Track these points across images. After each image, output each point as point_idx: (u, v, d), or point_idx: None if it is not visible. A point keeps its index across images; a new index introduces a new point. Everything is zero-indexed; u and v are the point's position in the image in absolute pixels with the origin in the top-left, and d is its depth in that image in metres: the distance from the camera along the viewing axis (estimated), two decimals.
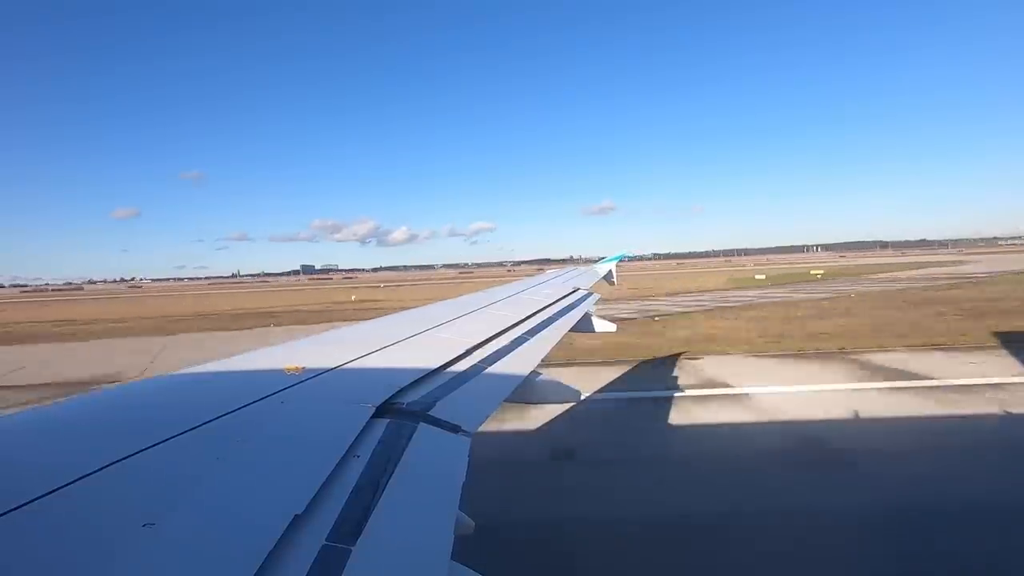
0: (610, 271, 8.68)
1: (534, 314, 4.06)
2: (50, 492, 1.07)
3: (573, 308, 4.73)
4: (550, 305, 4.61)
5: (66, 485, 1.10)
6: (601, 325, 5.12)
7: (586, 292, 5.94)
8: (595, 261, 9.80)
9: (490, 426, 2.03)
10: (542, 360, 2.89)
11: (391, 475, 1.36)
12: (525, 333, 3.37)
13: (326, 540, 1.06)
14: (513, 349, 2.94)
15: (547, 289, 5.79)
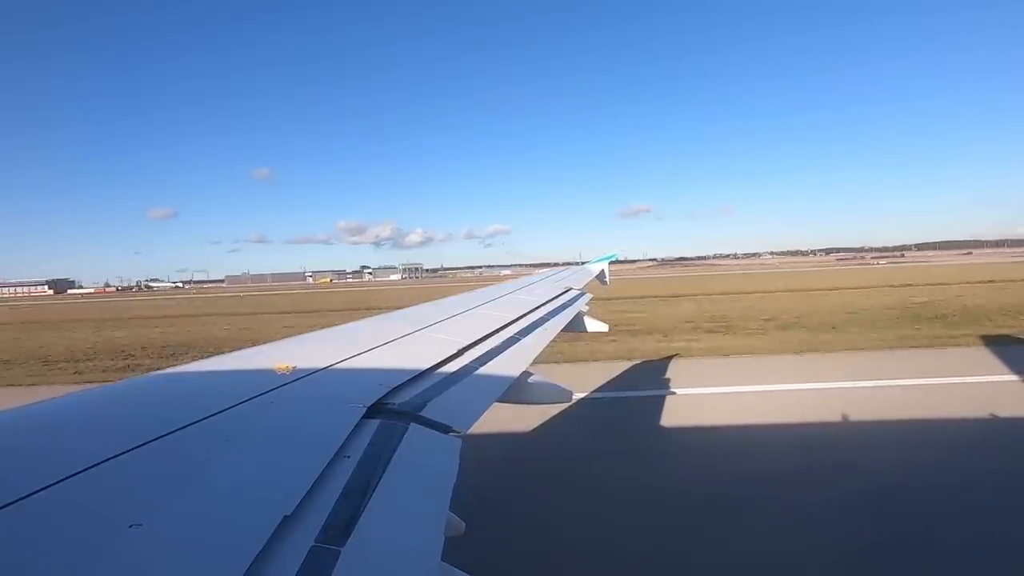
0: (602, 271, 8.71)
1: (526, 314, 4.06)
2: (33, 492, 1.06)
3: (566, 308, 4.74)
4: (543, 305, 4.61)
5: (50, 485, 1.09)
6: (593, 325, 5.13)
7: (579, 292, 5.95)
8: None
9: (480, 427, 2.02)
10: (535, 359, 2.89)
11: (381, 476, 1.36)
12: (517, 333, 3.37)
13: (315, 541, 1.05)
14: (505, 349, 2.94)
15: (540, 289, 5.79)
